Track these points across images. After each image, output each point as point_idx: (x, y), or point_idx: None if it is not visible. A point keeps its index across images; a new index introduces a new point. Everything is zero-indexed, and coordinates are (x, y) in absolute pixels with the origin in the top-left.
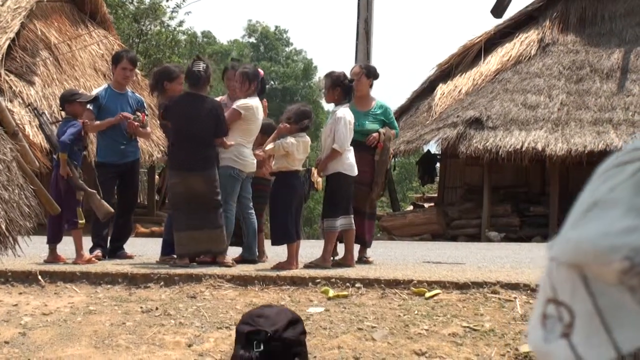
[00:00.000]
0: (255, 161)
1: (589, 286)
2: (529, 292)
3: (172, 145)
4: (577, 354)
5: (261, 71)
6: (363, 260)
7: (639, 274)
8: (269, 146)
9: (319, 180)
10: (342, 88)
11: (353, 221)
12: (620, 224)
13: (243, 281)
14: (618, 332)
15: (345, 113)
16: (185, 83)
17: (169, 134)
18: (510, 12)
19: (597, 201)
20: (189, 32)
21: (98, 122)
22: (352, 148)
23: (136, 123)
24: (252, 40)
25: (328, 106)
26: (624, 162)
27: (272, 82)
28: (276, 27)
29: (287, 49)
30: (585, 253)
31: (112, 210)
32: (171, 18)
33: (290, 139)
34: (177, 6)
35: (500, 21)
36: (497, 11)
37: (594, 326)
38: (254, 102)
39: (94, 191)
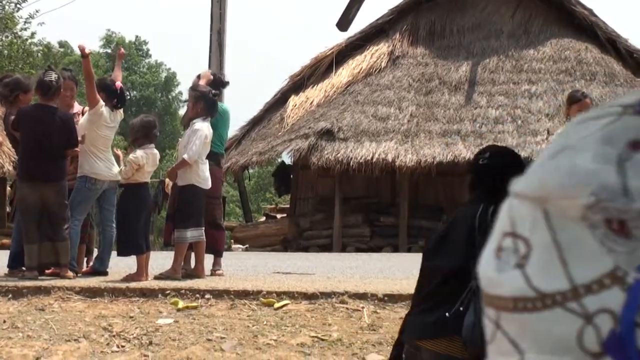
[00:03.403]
0: (114, 171)
1: (550, 221)
2: (376, 301)
3: (23, 156)
4: (531, 284)
5: (119, 83)
6: (213, 273)
7: (602, 210)
8: (123, 170)
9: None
10: (205, 102)
11: (203, 233)
12: (588, 166)
13: (92, 293)
14: (573, 265)
15: (203, 127)
16: (36, 94)
17: (19, 145)
18: (361, 25)
19: (566, 146)
20: (42, 43)
21: None
22: (207, 162)
23: None
24: (108, 50)
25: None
26: (597, 116)
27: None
28: (136, 37)
29: (146, 60)
30: (552, 187)
31: None
32: (24, 29)
33: (139, 152)
34: (30, 16)
35: (351, 34)
36: (343, 24)
37: (551, 258)
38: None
39: None
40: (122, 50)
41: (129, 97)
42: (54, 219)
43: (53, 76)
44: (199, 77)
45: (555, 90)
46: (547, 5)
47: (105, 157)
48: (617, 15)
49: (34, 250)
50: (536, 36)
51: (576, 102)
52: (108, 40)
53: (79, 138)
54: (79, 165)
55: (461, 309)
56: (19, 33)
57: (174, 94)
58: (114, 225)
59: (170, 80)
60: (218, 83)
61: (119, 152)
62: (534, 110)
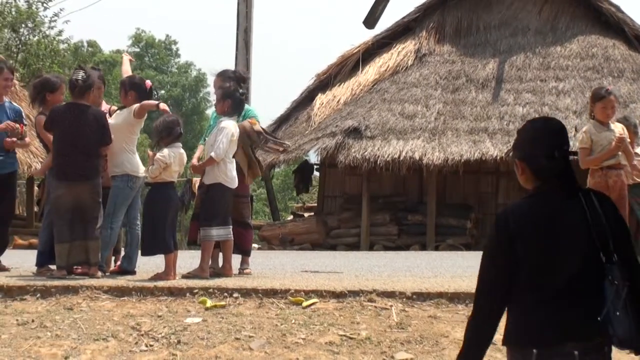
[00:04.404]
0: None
1: None
2: (404, 299)
3: (57, 155)
4: None
5: (149, 82)
6: (241, 272)
7: None
8: (150, 169)
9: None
10: (232, 100)
11: (231, 232)
12: None
13: (120, 292)
14: None
15: (229, 125)
16: (69, 93)
17: (53, 144)
18: (387, 23)
19: None
20: (68, 41)
21: None
22: (234, 160)
23: (13, 138)
24: (136, 49)
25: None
26: None
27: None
28: (166, 36)
29: (176, 59)
30: None
31: None
32: (50, 27)
33: (166, 151)
34: (55, 15)
35: (377, 32)
36: (369, 22)
37: None
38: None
39: None
40: (132, 58)
41: (156, 96)
42: (87, 218)
43: (80, 74)
44: (219, 75)
45: (582, 87)
46: (574, 2)
47: (137, 156)
48: None
49: (64, 249)
50: (563, 33)
51: (600, 99)
52: (137, 38)
53: (117, 137)
54: (116, 165)
55: (617, 312)
56: (46, 32)
57: (201, 95)
58: (139, 224)
59: (200, 81)
60: (239, 79)
61: (150, 152)
62: (561, 108)
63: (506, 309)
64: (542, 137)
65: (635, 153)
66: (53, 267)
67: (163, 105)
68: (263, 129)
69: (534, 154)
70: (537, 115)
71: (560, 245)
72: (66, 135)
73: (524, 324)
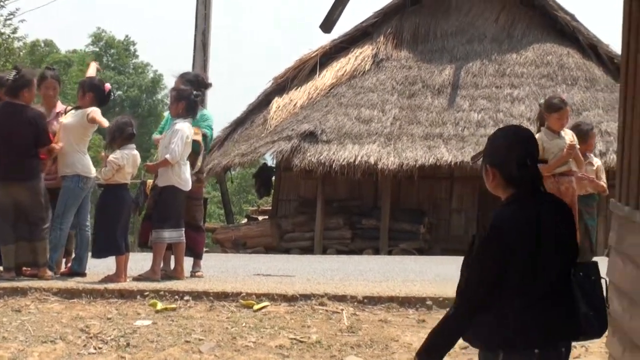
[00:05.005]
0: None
1: None
2: (355, 303)
3: None
4: None
5: (108, 85)
6: (193, 275)
7: None
8: (103, 171)
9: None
10: (187, 102)
11: (183, 234)
12: None
13: (70, 294)
14: None
15: (184, 127)
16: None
17: None
18: (346, 27)
19: None
20: (24, 39)
21: None
22: (188, 163)
23: None
24: (96, 49)
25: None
26: None
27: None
28: (126, 36)
29: (133, 60)
30: None
31: None
32: (6, 26)
33: (119, 153)
34: (11, 14)
35: (335, 36)
36: (326, 26)
37: None
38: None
39: None
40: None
41: (112, 97)
42: (31, 219)
43: (12, 74)
44: (181, 77)
45: (537, 94)
46: (530, 10)
47: (88, 156)
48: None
49: (10, 250)
50: (519, 41)
51: (556, 110)
52: (97, 37)
53: (70, 137)
54: (67, 165)
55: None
56: (1, 29)
57: (159, 96)
58: (89, 225)
59: (157, 82)
60: (201, 84)
61: (102, 154)
62: (515, 114)
63: (493, 313)
64: (515, 146)
65: (589, 162)
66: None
67: (106, 124)
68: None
69: (507, 162)
70: (491, 122)
71: (542, 250)
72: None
73: (516, 327)
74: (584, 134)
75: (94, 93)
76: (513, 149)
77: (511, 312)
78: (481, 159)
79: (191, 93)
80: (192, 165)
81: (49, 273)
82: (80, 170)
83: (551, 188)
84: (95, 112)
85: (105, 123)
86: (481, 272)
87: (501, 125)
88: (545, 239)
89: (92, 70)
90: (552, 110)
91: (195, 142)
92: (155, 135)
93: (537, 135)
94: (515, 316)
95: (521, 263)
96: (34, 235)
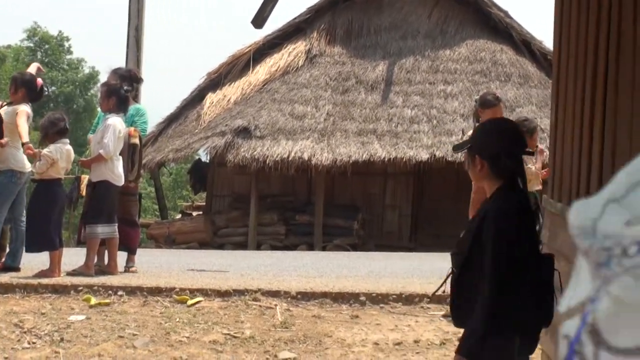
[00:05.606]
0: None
1: None
2: (289, 299)
3: None
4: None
5: (40, 80)
6: (127, 270)
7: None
8: (37, 165)
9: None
10: (117, 97)
11: (117, 229)
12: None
13: (3, 289)
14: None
15: (116, 122)
16: None
17: None
18: (279, 23)
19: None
20: None
21: None
22: (121, 158)
23: None
24: (30, 44)
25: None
26: None
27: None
28: (59, 32)
29: (67, 56)
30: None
31: None
32: None
33: (53, 147)
34: None
35: (269, 32)
36: (258, 22)
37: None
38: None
39: None
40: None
41: (46, 93)
42: None
43: None
44: (114, 72)
45: (470, 90)
46: (463, 7)
47: (22, 151)
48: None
49: None
50: (452, 37)
51: (490, 107)
52: (33, 32)
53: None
54: (1, 160)
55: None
56: None
57: (93, 92)
58: (25, 220)
59: (91, 78)
60: (133, 79)
61: (36, 150)
62: (449, 111)
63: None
64: (506, 137)
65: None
66: None
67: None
68: (138, 145)
69: (498, 153)
70: (425, 118)
71: (531, 239)
72: None
73: (501, 313)
74: (531, 130)
75: (26, 89)
76: (504, 141)
77: (498, 299)
78: (466, 150)
79: (121, 88)
80: (130, 170)
81: None
82: (13, 165)
83: None
84: (20, 114)
85: (25, 138)
86: (504, 258)
87: (434, 122)
88: (524, 229)
89: (31, 69)
90: (486, 106)
91: (133, 145)
92: (91, 135)
93: (470, 132)
94: (500, 303)
95: (513, 252)
96: None
